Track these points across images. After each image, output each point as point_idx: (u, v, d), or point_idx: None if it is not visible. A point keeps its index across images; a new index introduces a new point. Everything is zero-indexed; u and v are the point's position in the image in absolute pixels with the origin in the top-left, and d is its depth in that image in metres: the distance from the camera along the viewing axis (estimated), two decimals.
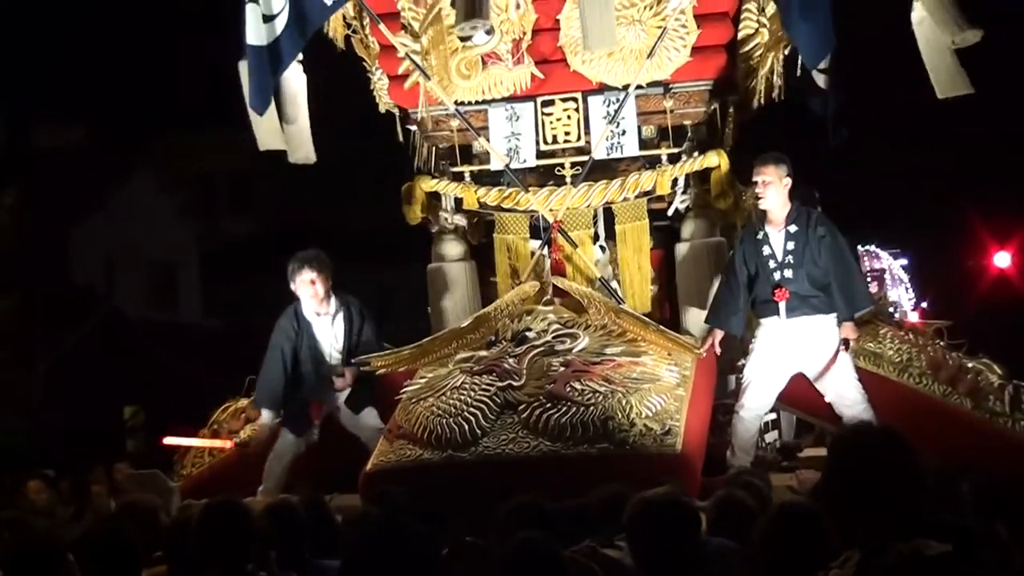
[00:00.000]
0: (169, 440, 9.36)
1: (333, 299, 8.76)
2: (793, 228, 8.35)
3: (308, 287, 8.65)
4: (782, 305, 8.27)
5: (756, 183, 8.38)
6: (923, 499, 3.22)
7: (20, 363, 19.92)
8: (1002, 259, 22.34)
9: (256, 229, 27.73)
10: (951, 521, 4.02)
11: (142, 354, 23.74)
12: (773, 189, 8.35)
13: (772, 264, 8.36)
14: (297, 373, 8.71)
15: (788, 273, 8.31)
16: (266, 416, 8.81)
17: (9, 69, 23.38)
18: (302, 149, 9.30)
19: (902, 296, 18.82)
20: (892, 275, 19.18)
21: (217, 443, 9.24)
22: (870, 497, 3.16)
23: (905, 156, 20.69)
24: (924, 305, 19.17)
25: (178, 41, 23.25)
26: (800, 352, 8.32)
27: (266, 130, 9.01)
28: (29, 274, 20.46)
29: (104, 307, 24.89)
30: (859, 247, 17.78)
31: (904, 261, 19.75)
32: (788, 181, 8.38)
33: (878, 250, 19.28)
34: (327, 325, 8.76)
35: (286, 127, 9.22)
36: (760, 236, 8.42)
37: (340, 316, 8.77)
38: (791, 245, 8.34)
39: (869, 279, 17.25)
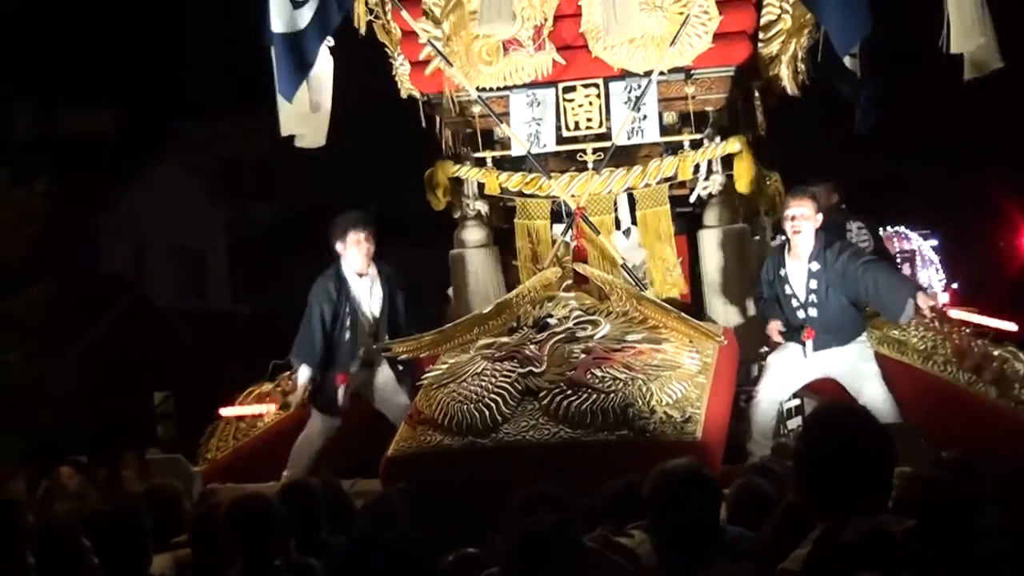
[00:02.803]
0: (224, 411, 9.27)
1: (372, 264, 8.80)
2: (815, 266, 8.24)
3: (358, 246, 8.68)
4: (809, 343, 8.23)
5: (792, 216, 8.28)
6: (890, 477, 3.27)
7: (50, 351, 20.01)
8: None
9: (284, 215, 27.79)
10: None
11: (171, 341, 23.86)
12: (809, 224, 8.27)
13: (795, 303, 8.31)
14: (335, 334, 8.68)
15: (812, 312, 8.27)
16: (304, 372, 8.72)
17: (37, 57, 23.49)
18: (317, 134, 9.34)
19: (932, 277, 18.74)
20: (922, 256, 19.11)
21: (262, 408, 9.18)
22: (836, 473, 3.21)
23: (935, 136, 20.55)
24: (955, 286, 19.04)
25: (204, 26, 23.30)
26: (824, 365, 8.31)
27: (291, 116, 9.05)
28: (58, 262, 20.55)
29: (133, 294, 25.01)
30: (888, 228, 17.71)
31: (934, 242, 19.67)
32: (820, 217, 8.32)
33: (908, 231, 19.21)
34: (367, 287, 8.80)
35: (309, 112, 9.26)
36: (783, 274, 8.35)
37: (378, 281, 8.81)
38: (813, 284, 8.25)
39: (899, 260, 17.18)
